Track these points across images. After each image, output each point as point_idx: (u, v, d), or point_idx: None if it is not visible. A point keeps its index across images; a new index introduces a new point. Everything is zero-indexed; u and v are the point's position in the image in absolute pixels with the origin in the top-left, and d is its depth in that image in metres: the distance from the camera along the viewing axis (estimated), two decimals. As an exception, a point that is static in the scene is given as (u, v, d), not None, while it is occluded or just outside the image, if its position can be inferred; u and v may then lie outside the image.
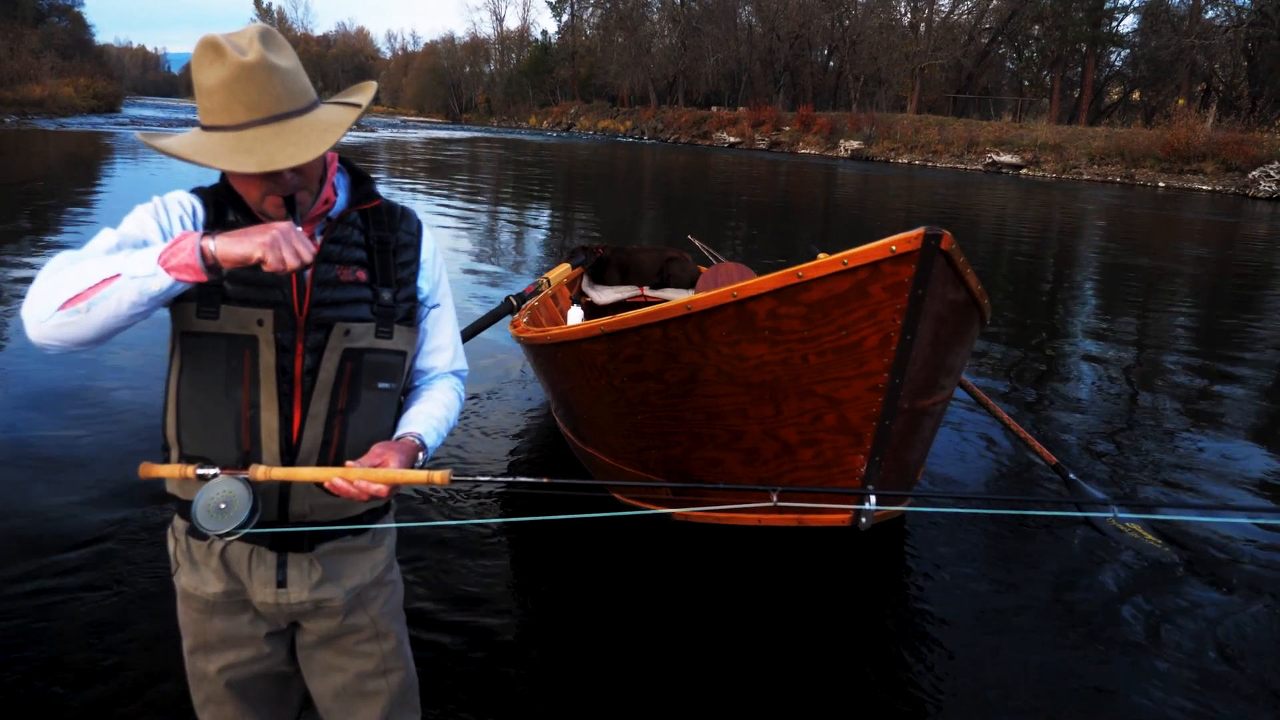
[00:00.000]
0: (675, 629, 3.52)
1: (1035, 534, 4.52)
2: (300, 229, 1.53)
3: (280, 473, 1.64)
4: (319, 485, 1.72)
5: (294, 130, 1.60)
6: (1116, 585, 4.03)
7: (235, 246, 1.45)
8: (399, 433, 1.80)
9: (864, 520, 2.76)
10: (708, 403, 3.19)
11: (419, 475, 1.66)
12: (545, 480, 1.83)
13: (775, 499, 1.87)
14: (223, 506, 1.59)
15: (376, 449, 1.71)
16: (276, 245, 1.46)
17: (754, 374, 2.93)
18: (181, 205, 1.70)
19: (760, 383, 2.94)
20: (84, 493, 4.27)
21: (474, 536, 4.15)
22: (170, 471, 1.63)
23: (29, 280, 7.85)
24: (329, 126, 1.64)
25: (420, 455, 1.77)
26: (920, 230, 2.40)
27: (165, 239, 1.63)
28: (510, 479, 1.81)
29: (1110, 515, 4.56)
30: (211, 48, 1.55)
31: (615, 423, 3.90)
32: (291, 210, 1.63)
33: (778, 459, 3.09)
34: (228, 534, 1.59)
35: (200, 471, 1.62)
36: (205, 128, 1.59)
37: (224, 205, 1.70)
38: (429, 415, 1.85)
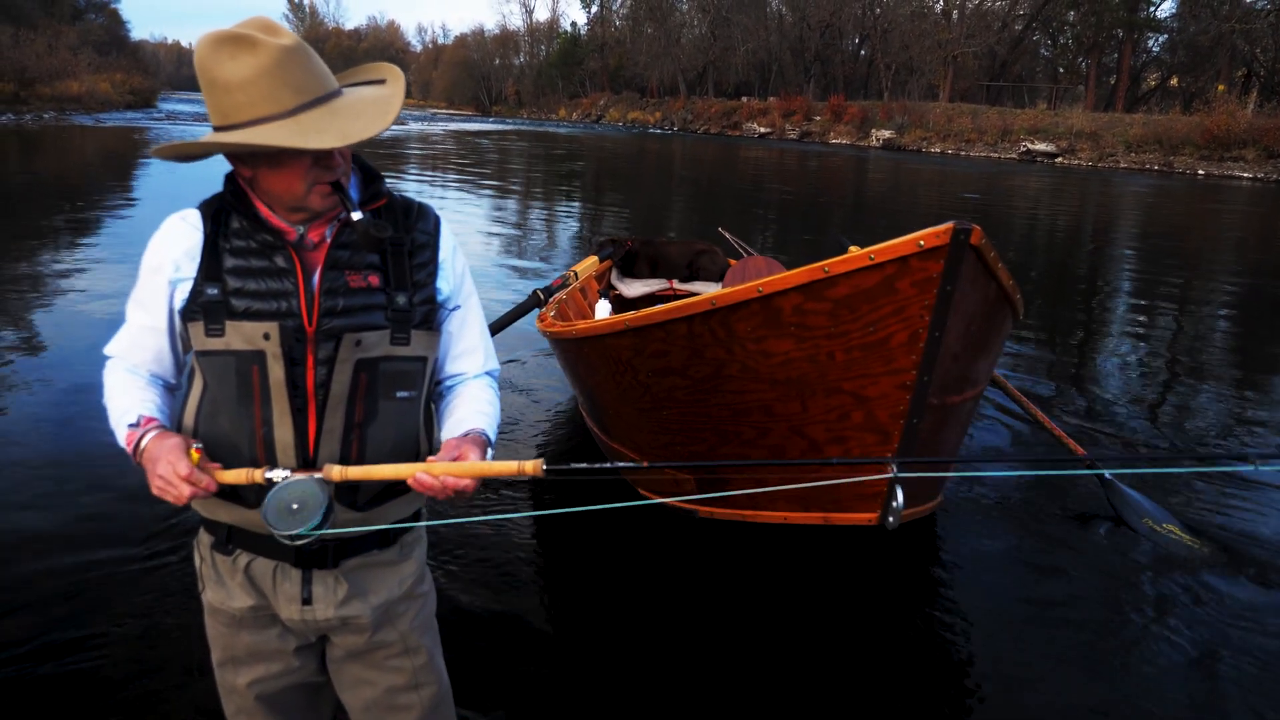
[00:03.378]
0: (705, 626, 3.49)
1: (1067, 533, 4.42)
2: (180, 461, 1.56)
3: (357, 472, 1.60)
4: (343, 502, 1.67)
5: (346, 109, 1.57)
6: (1152, 586, 3.93)
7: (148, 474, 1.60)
8: (463, 430, 1.73)
9: (891, 519, 2.71)
10: (733, 399, 3.15)
11: (509, 466, 1.59)
12: (645, 464, 1.77)
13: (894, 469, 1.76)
14: (295, 507, 1.54)
15: (451, 444, 1.67)
16: (165, 492, 1.57)
17: (780, 370, 2.89)
18: (180, 240, 1.65)
19: (786, 379, 2.89)
20: (121, 499, 4.24)
21: (502, 532, 4.13)
22: (237, 477, 1.59)
23: (69, 274, 7.98)
24: (377, 100, 1.62)
25: (488, 452, 1.71)
26: (949, 225, 2.34)
27: (170, 297, 1.67)
28: (608, 465, 1.70)
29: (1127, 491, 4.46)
30: (233, 40, 1.48)
31: (640, 419, 3.87)
32: (347, 199, 1.58)
33: (804, 457, 3.05)
34: (298, 536, 1.54)
35: (269, 475, 1.58)
36: (239, 124, 1.51)
37: (225, 215, 1.65)
38: (483, 414, 1.78)
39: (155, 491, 1.57)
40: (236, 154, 1.59)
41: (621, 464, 1.79)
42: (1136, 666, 3.35)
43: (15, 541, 3.86)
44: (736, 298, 2.81)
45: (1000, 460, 5.36)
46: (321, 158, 1.56)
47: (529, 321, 5.73)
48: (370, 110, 1.58)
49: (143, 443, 1.61)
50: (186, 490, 1.55)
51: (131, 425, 1.64)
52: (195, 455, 1.57)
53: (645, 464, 1.75)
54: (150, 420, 1.65)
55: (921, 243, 2.37)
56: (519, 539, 4.10)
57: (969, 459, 4.85)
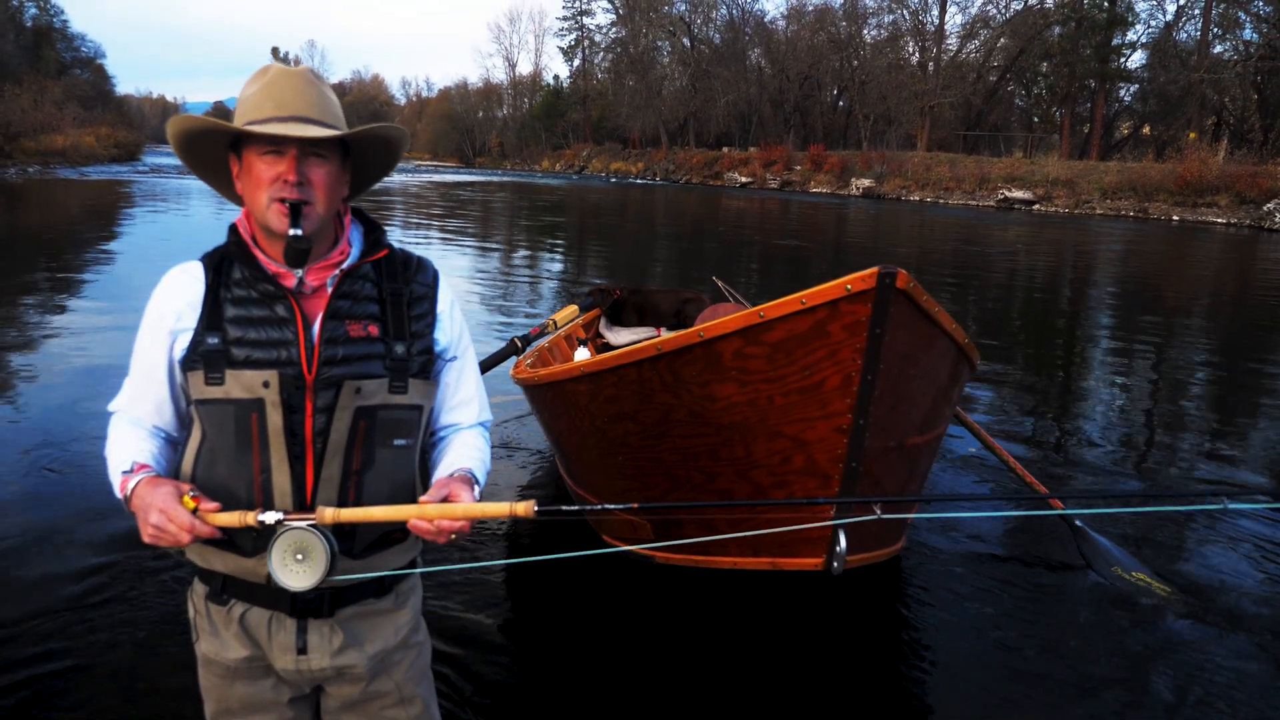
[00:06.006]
0: (679, 670, 3.47)
1: (1035, 581, 4.39)
2: (176, 509, 1.55)
3: (350, 514, 1.60)
4: (339, 550, 1.66)
5: (318, 129, 1.63)
6: (1120, 636, 3.87)
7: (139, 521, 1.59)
8: (450, 471, 1.76)
9: (836, 564, 2.71)
10: (682, 443, 3.17)
11: (501, 508, 1.62)
12: (635, 505, 1.78)
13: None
14: (299, 558, 1.54)
15: (440, 483, 1.68)
16: (159, 540, 1.56)
17: (724, 415, 2.91)
18: (182, 291, 1.69)
19: (730, 424, 2.91)
20: (107, 549, 4.20)
21: (475, 579, 4.11)
22: (230, 519, 1.58)
23: (52, 326, 7.96)
24: (344, 124, 1.69)
25: (475, 490, 1.73)
26: (874, 269, 2.39)
27: (170, 347, 1.69)
28: (600, 507, 1.75)
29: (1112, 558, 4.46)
30: (262, 68, 1.66)
31: (599, 463, 3.88)
32: (297, 221, 1.60)
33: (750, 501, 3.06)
34: (311, 589, 1.56)
35: (261, 518, 1.57)
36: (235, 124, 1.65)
37: (227, 265, 1.69)
38: (473, 458, 1.81)
39: (147, 539, 1.56)
40: (239, 159, 1.69)
41: (611, 505, 1.82)
42: (1101, 714, 3.31)
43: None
44: (680, 343, 2.85)
45: (961, 498, 5.33)
46: (284, 172, 1.62)
47: (507, 370, 5.73)
48: (325, 132, 1.63)
49: (132, 488, 1.62)
50: (186, 538, 1.55)
51: (125, 472, 1.65)
52: (191, 503, 1.56)
53: (635, 505, 1.77)
54: (143, 466, 1.66)
55: (849, 287, 2.41)
56: (493, 586, 4.09)
57: (928, 497, 4.82)
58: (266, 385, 1.61)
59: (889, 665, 3.64)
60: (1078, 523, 4.64)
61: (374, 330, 1.70)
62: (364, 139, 1.73)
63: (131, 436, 1.73)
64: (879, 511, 2.01)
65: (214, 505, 1.59)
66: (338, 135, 1.63)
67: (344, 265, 1.71)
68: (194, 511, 1.56)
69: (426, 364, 1.76)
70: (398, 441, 1.72)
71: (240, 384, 1.62)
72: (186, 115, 1.67)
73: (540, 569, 4.10)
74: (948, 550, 4.67)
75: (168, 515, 1.54)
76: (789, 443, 2.79)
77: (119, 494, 1.65)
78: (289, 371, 1.62)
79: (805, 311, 2.51)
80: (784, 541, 3.02)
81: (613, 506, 1.80)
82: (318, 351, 1.64)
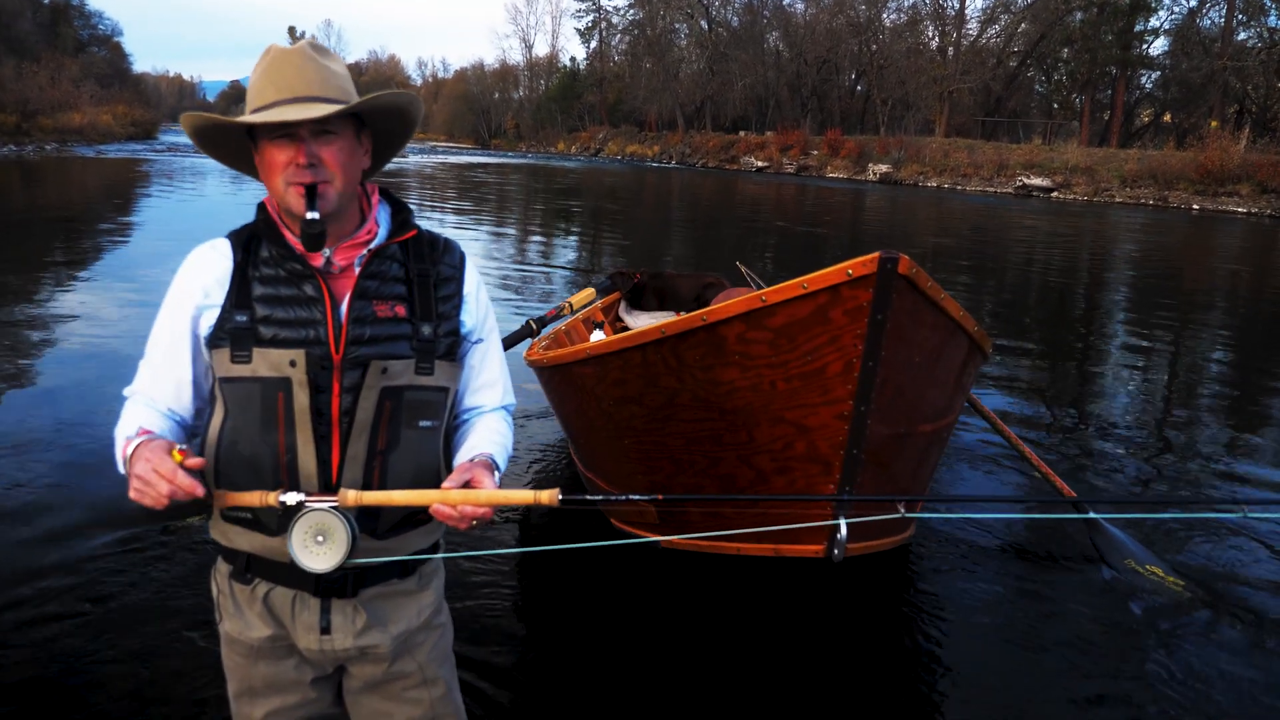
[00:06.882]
0: (680, 655, 3.48)
1: (1046, 571, 4.36)
2: (160, 459, 1.49)
3: (373, 497, 1.59)
4: (363, 530, 1.65)
5: (317, 107, 1.60)
6: (1132, 630, 3.83)
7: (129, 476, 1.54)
8: (471, 455, 1.75)
9: (836, 552, 2.71)
10: (686, 428, 3.16)
11: (524, 495, 1.60)
12: (660, 498, 1.77)
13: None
14: (320, 539, 1.54)
15: (462, 467, 1.67)
16: (143, 494, 1.49)
17: (727, 400, 2.90)
18: (210, 268, 1.69)
19: (733, 409, 2.91)
20: (126, 528, 4.21)
21: (489, 563, 4.12)
22: (250, 499, 1.58)
23: (67, 303, 8.02)
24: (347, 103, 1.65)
25: (496, 475, 1.71)
26: (876, 254, 2.37)
27: (195, 323, 1.69)
28: (625, 497, 1.75)
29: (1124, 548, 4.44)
30: (266, 49, 1.65)
31: (607, 447, 3.89)
32: (313, 203, 1.59)
33: (753, 487, 3.05)
34: (332, 571, 1.56)
35: (283, 498, 1.56)
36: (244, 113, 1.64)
37: (255, 244, 1.69)
38: (494, 442, 1.80)
39: (133, 494, 1.50)
40: (255, 145, 1.68)
41: (635, 496, 1.81)
42: (1111, 707, 3.29)
43: (17, 572, 3.83)
44: (683, 326, 2.84)
45: (979, 499, 5.29)
46: (295, 156, 1.60)
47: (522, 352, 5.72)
48: (328, 109, 1.61)
49: (132, 451, 1.57)
50: (165, 488, 1.46)
51: (128, 438, 1.62)
52: (178, 456, 1.49)
53: (660, 497, 1.76)
54: (145, 432, 1.62)
55: (850, 271, 2.39)
56: (506, 568, 4.11)
57: (932, 498, 4.79)
58: (293, 364, 1.61)
59: (894, 653, 3.64)
60: (1091, 514, 4.55)
61: (401, 311, 1.69)
62: (376, 109, 1.71)
63: (143, 414, 1.71)
64: (903, 510, 2.00)
65: (199, 461, 1.51)
66: (340, 111, 1.61)
67: (372, 245, 1.71)
68: (181, 465, 1.49)
69: (452, 345, 1.75)
70: (423, 423, 1.72)
71: (267, 362, 1.61)
72: (194, 114, 1.68)
73: (552, 551, 4.12)
74: (958, 540, 4.65)
75: (152, 464, 1.48)
76: (791, 428, 2.78)
77: (119, 459, 1.61)
78: (316, 351, 1.62)
79: (807, 296, 2.49)
80: (786, 529, 3.02)
81: (637, 497, 1.79)
82: (345, 331, 1.64)
